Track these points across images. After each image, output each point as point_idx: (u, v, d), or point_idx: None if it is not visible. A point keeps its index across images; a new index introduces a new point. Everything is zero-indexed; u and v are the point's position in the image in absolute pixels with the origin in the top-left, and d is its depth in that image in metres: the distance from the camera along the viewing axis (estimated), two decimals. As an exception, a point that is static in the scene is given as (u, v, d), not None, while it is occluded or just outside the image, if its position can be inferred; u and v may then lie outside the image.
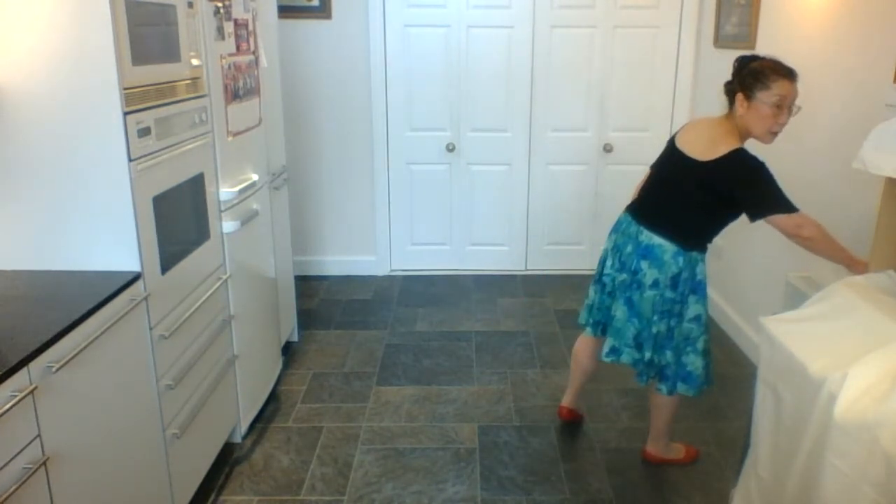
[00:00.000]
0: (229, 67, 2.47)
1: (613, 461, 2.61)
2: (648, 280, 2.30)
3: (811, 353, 1.65)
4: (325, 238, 4.48)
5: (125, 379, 1.84)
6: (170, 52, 2.04)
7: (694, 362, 2.36)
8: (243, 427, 2.70)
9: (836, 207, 2.62)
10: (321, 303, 4.08)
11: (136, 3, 1.84)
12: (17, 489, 1.39)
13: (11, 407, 1.37)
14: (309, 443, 2.71)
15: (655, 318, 2.32)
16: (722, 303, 3.72)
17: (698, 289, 2.32)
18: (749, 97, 2.17)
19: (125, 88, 1.79)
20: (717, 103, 2.45)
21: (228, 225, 2.46)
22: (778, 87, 2.13)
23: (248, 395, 2.72)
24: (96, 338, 1.66)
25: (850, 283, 1.87)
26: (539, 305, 4.06)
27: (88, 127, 1.80)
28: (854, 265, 2.07)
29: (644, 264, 2.31)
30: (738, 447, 2.38)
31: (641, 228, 2.33)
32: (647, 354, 2.36)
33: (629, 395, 3.03)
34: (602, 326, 2.55)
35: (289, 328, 3.44)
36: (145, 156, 1.90)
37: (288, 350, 3.42)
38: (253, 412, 2.80)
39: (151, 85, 1.93)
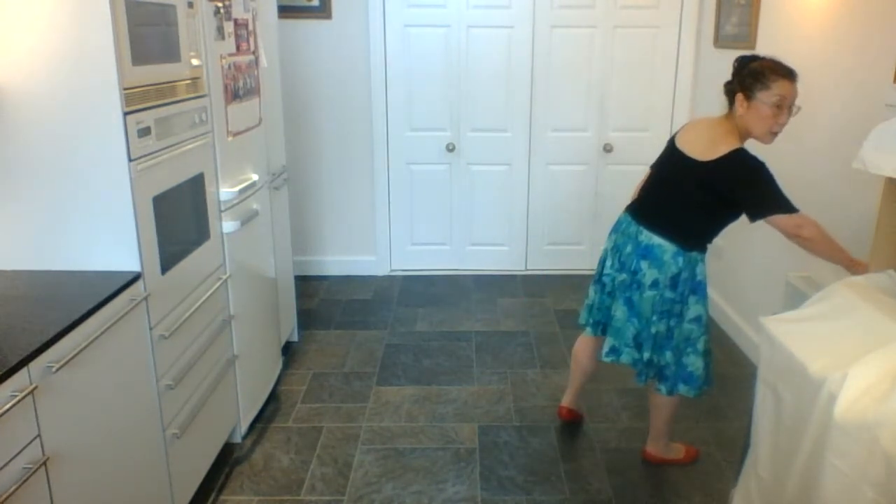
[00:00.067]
0: (229, 67, 2.47)
1: (613, 461, 2.61)
2: (648, 280, 2.30)
3: (811, 353, 1.65)
4: (325, 238, 4.48)
5: (125, 379, 1.84)
6: (170, 52, 2.04)
7: (694, 363, 2.36)
8: (243, 427, 2.70)
9: (836, 207, 2.62)
10: (321, 303, 4.08)
11: (136, 3, 1.84)
12: (17, 489, 1.39)
13: (11, 407, 1.37)
14: (309, 443, 2.72)
15: (655, 318, 2.32)
16: (722, 303, 3.72)
17: (698, 289, 2.32)
18: (749, 97, 2.17)
19: (125, 88, 1.79)
20: (717, 103, 2.45)
21: (228, 225, 2.46)
22: (778, 87, 2.13)
23: (248, 395, 2.72)
24: (96, 338, 1.66)
25: (850, 283, 1.87)
26: (539, 305, 4.06)
27: (88, 127, 1.80)
28: (853, 266, 2.07)
29: (644, 264, 2.31)
30: (738, 447, 2.38)
31: (641, 228, 2.33)
32: (647, 354, 2.36)
33: (629, 395, 3.03)
34: (602, 326, 2.54)
35: (289, 328, 3.44)
36: (145, 156, 1.90)
37: (288, 350, 3.42)
38: (253, 412, 2.80)
39: (151, 85, 1.93)
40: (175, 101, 2.06)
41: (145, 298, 1.92)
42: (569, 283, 4.34)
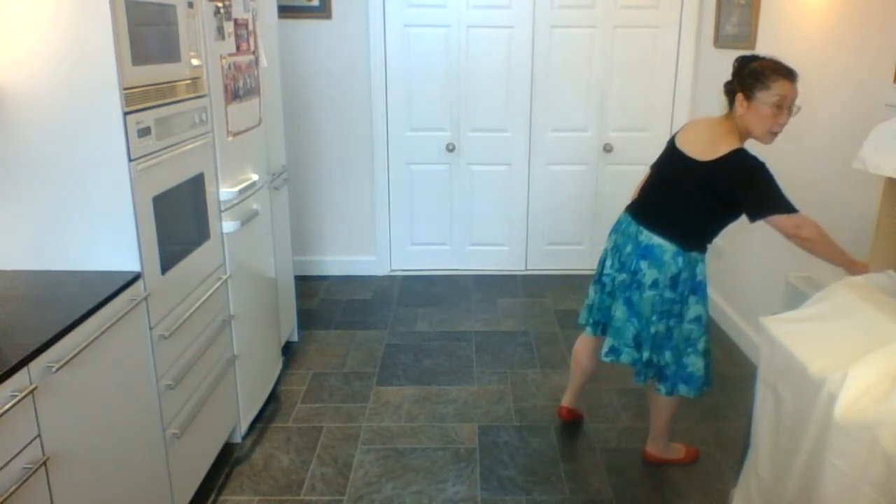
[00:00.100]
0: (229, 67, 2.47)
1: (613, 461, 2.61)
2: (648, 280, 2.30)
3: (811, 353, 1.65)
4: (325, 238, 4.48)
5: (125, 379, 1.84)
6: (170, 52, 2.04)
7: (695, 363, 2.36)
8: (243, 427, 2.70)
9: (836, 207, 2.62)
10: (321, 303, 4.08)
11: (136, 3, 1.84)
12: (17, 489, 1.39)
13: (11, 407, 1.38)
14: (309, 443, 2.72)
15: (654, 318, 2.32)
16: (722, 303, 3.72)
17: (698, 289, 2.31)
18: (749, 97, 2.17)
19: (125, 88, 1.79)
20: (717, 103, 2.45)
21: (228, 225, 2.46)
22: (778, 88, 2.13)
23: (248, 395, 2.72)
24: (96, 338, 1.66)
25: (850, 283, 1.87)
26: (539, 305, 4.06)
27: (88, 127, 1.80)
28: (853, 266, 2.07)
29: (644, 264, 2.31)
30: (738, 447, 2.38)
31: (641, 228, 2.33)
32: (646, 354, 2.36)
33: (629, 395, 3.03)
34: (602, 326, 2.54)
35: (289, 328, 3.44)
36: (145, 156, 1.90)
37: (288, 350, 3.42)
38: (253, 412, 2.80)
39: (151, 85, 1.93)
40: (175, 101, 2.06)
41: (145, 298, 1.92)
42: (569, 283, 4.34)
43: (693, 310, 2.32)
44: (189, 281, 2.21)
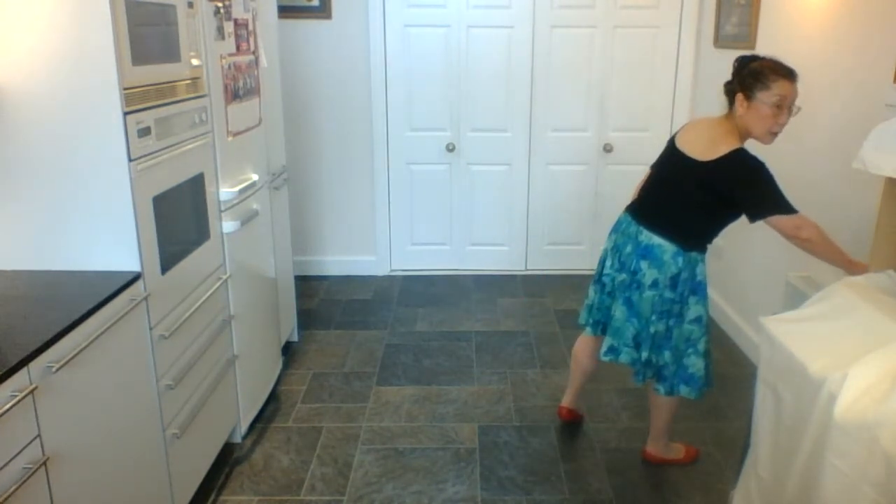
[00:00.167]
0: (229, 67, 2.47)
1: (613, 461, 2.61)
2: (648, 280, 2.30)
3: (811, 353, 1.65)
4: (325, 238, 4.48)
5: (125, 379, 1.84)
6: (170, 52, 2.04)
7: (695, 364, 2.36)
8: (243, 427, 2.70)
9: (836, 207, 2.62)
10: (321, 303, 4.08)
11: (136, 3, 1.84)
12: (17, 489, 1.39)
13: (11, 407, 1.38)
14: (309, 443, 2.72)
15: (654, 318, 2.32)
16: (722, 303, 3.72)
17: (698, 289, 2.31)
18: (749, 97, 2.17)
19: (125, 88, 1.79)
20: (717, 103, 2.45)
21: (228, 225, 2.46)
22: (778, 88, 2.13)
23: (248, 395, 2.72)
24: (96, 338, 1.66)
25: (850, 283, 1.87)
26: (539, 305, 4.06)
27: (88, 127, 1.80)
28: (852, 267, 2.07)
29: (643, 264, 2.31)
30: (738, 447, 2.38)
31: (641, 228, 2.33)
32: (645, 354, 2.36)
33: (629, 395, 3.03)
34: (602, 326, 2.54)
35: (289, 328, 3.44)
36: (145, 156, 1.90)
37: (288, 350, 3.42)
38: (253, 412, 2.80)
39: (151, 85, 1.93)
40: (175, 101, 2.06)
41: (145, 298, 1.92)
42: (569, 283, 4.34)
43: (693, 310, 2.32)
44: (189, 281, 2.21)
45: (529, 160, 4.37)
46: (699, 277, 2.31)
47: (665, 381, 2.39)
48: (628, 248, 2.36)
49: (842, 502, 1.48)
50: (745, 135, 2.23)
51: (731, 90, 2.24)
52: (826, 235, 2.09)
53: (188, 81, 2.15)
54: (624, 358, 2.40)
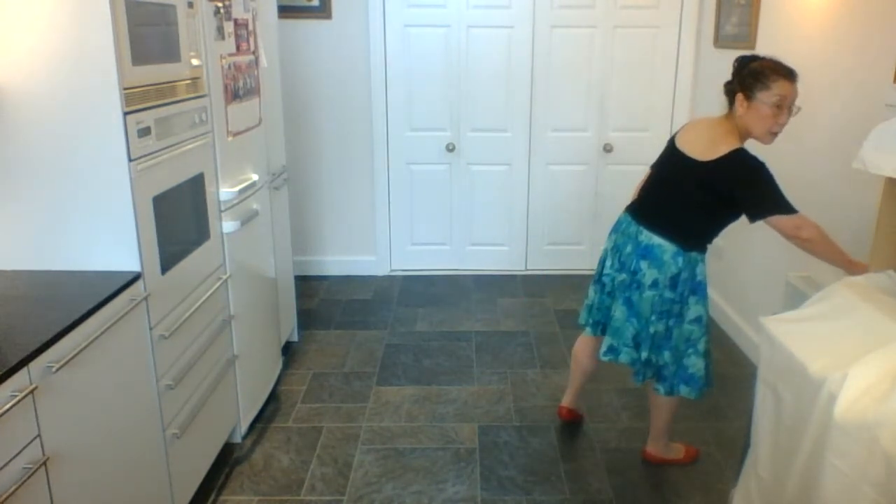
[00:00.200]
0: (229, 67, 2.47)
1: (613, 461, 2.61)
2: (648, 280, 2.30)
3: (811, 353, 1.65)
4: (325, 238, 4.48)
5: (125, 379, 1.84)
6: (170, 52, 2.04)
7: (696, 364, 2.36)
8: (243, 427, 2.70)
9: (836, 207, 2.62)
10: (321, 303, 4.08)
11: (136, 3, 1.84)
12: (17, 489, 1.39)
13: (11, 407, 1.38)
14: (309, 443, 2.72)
15: (654, 318, 2.32)
16: (722, 303, 3.72)
17: (698, 290, 2.31)
18: (749, 97, 2.17)
19: (125, 88, 1.79)
20: (717, 103, 2.45)
21: (228, 225, 2.46)
22: (778, 88, 2.13)
23: (248, 395, 2.72)
24: (96, 338, 1.66)
25: (850, 284, 1.87)
26: (539, 305, 4.06)
27: (88, 127, 1.80)
28: (852, 267, 2.07)
29: (643, 264, 2.31)
30: (738, 447, 2.38)
31: (641, 228, 2.33)
32: (644, 354, 2.36)
33: (629, 395, 3.03)
34: (602, 326, 2.54)
35: (289, 328, 3.44)
36: (145, 156, 1.90)
37: (288, 350, 3.42)
38: (253, 412, 2.80)
39: (151, 85, 1.93)
40: (175, 101, 2.06)
41: (145, 298, 1.92)
42: (569, 283, 4.34)
43: (693, 310, 2.32)
44: (189, 281, 2.21)
45: (529, 160, 4.37)
46: (699, 277, 2.31)
47: (665, 381, 2.39)
48: (628, 248, 2.36)
49: (842, 502, 1.48)
50: (745, 135, 2.23)
51: (731, 90, 2.24)
52: (826, 235, 2.09)
53: (188, 81, 2.15)
54: (623, 358, 2.40)
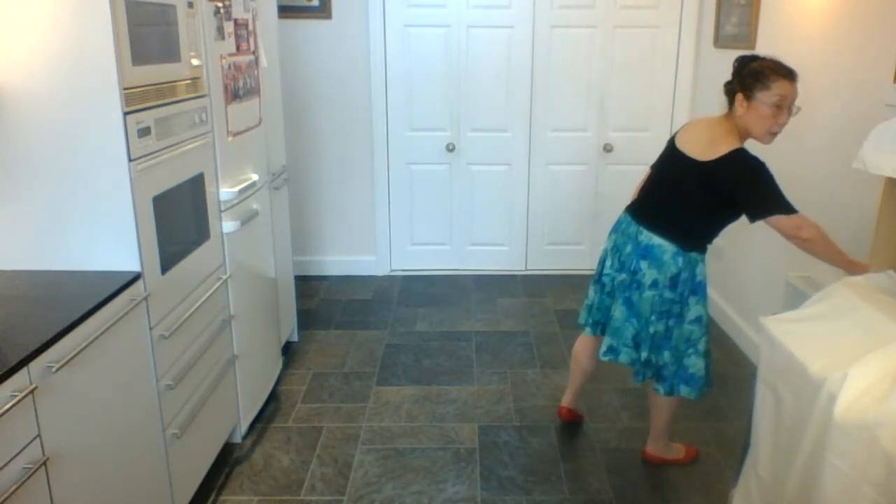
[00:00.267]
0: (229, 67, 2.47)
1: (613, 461, 2.61)
2: (647, 280, 2.30)
3: (811, 353, 1.65)
4: (325, 238, 4.48)
5: (125, 379, 1.84)
6: (170, 52, 2.04)
7: (696, 364, 2.36)
8: (243, 427, 2.70)
9: (836, 207, 2.62)
10: (321, 303, 4.08)
11: (136, 3, 1.84)
12: (17, 489, 1.39)
13: (11, 407, 1.38)
14: (309, 443, 2.72)
15: (653, 318, 2.32)
16: (722, 303, 3.72)
17: (698, 290, 2.31)
18: (749, 97, 2.17)
19: (125, 88, 1.79)
20: (717, 103, 2.45)
21: (228, 225, 2.46)
22: (778, 88, 2.13)
23: (248, 395, 2.72)
24: (96, 338, 1.66)
25: (850, 284, 1.87)
26: (539, 305, 4.06)
27: (88, 127, 1.80)
28: (852, 267, 2.07)
29: (643, 264, 2.31)
30: (738, 447, 2.38)
31: (641, 228, 2.33)
32: (644, 354, 2.36)
33: (629, 395, 3.03)
34: (602, 326, 2.54)
35: (289, 328, 3.44)
36: (145, 156, 1.90)
37: (288, 350, 3.42)
38: (253, 412, 2.80)
39: (151, 85, 1.93)
40: (175, 101, 2.06)
41: (145, 298, 1.92)
42: (569, 283, 4.34)
43: (693, 310, 2.32)
44: (189, 281, 2.21)
45: (529, 160, 4.37)
46: (699, 277, 2.31)
47: (665, 381, 2.39)
48: (628, 248, 2.36)
49: (842, 502, 1.48)
50: (744, 135, 2.23)
51: (730, 90, 2.24)
52: (826, 235, 2.09)
53: (188, 81, 2.15)
54: (623, 358, 2.40)
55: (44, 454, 1.49)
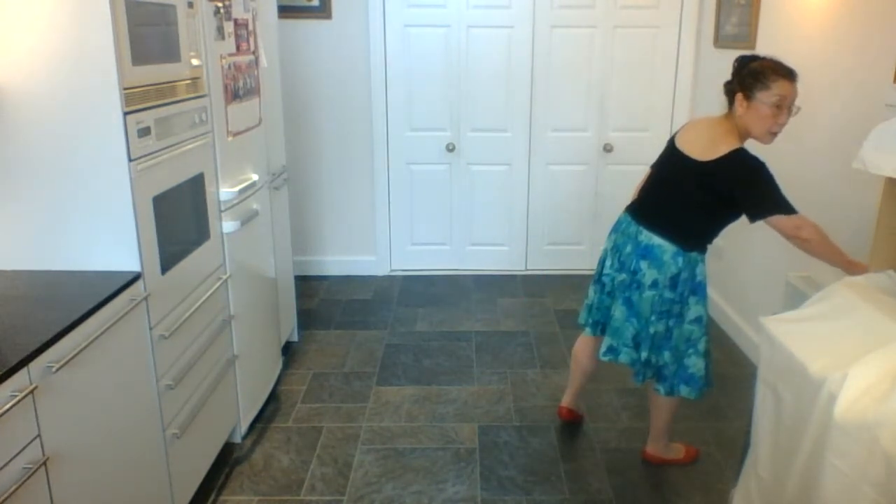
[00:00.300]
0: (229, 67, 2.47)
1: (613, 461, 2.61)
2: (647, 280, 2.30)
3: (811, 353, 1.65)
4: (325, 238, 4.48)
5: (125, 379, 1.84)
6: (170, 52, 2.04)
7: (696, 364, 2.36)
8: (243, 427, 2.70)
9: (836, 207, 2.62)
10: (321, 303, 4.08)
11: (136, 3, 1.84)
12: (17, 489, 1.39)
13: (11, 407, 1.37)
14: (309, 443, 2.72)
15: (654, 318, 2.32)
16: (722, 303, 3.72)
17: (698, 290, 2.31)
18: (749, 97, 2.17)
19: (125, 88, 1.79)
20: (717, 103, 2.45)
21: (228, 225, 2.46)
22: (778, 88, 2.13)
23: (248, 395, 2.72)
24: (96, 338, 1.66)
25: (850, 284, 1.87)
26: (539, 305, 4.06)
27: (88, 127, 1.80)
28: (851, 268, 2.06)
29: (643, 264, 2.31)
30: (738, 447, 2.38)
31: (641, 228, 2.33)
32: (644, 354, 2.36)
33: (629, 395, 3.03)
34: (601, 326, 2.54)
35: (289, 328, 3.44)
36: (145, 156, 1.90)
37: (288, 350, 3.42)
38: (253, 412, 2.80)
39: (151, 85, 1.93)
40: (175, 101, 2.06)
41: (145, 298, 1.92)
42: (569, 283, 4.34)
43: (693, 310, 2.32)
44: (189, 281, 2.21)
45: (529, 160, 4.37)
46: (699, 278, 2.31)
47: (665, 382, 2.39)
48: (628, 248, 2.36)
49: (842, 502, 1.48)
50: (744, 135, 2.23)
51: (730, 90, 2.24)
52: (826, 236, 2.09)
53: (188, 81, 2.15)
54: (623, 358, 2.40)
55: (44, 454, 1.49)
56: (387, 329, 3.73)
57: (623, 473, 2.55)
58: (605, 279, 2.48)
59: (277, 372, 3.14)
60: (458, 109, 4.27)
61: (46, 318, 1.60)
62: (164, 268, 2.03)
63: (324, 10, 4.06)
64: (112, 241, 1.88)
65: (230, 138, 2.51)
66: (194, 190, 2.24)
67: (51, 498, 1.52)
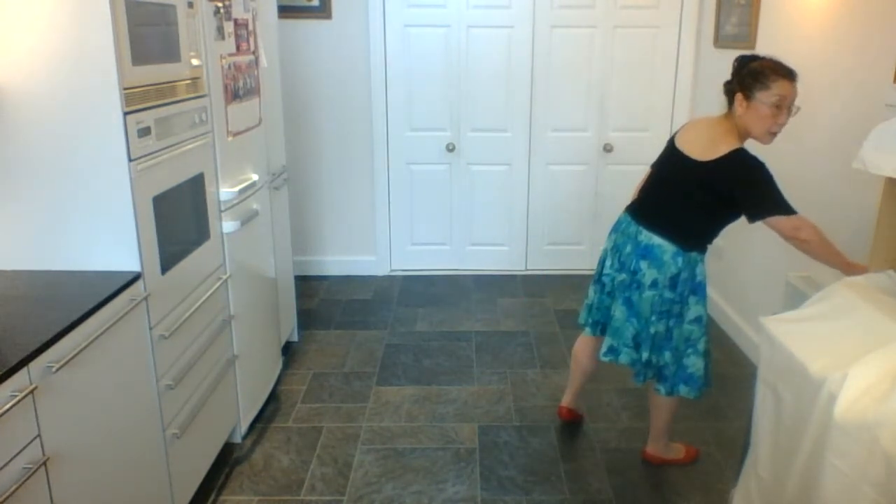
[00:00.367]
0: (229, 67, 2.47)
1: (613, 461, 2.61)
2: (647, 280, 2.30)
3: (811, 353, 1.65)
4: (325, 238, 4.48)
5: (125, 379, 1.84)
6: (170, 52, 2.04)
7: (695, 364, 2.36)
8: (243, 427, 2.70)
9: (836, 207, 2.62)
10: (321, 303, 4.08)
11: (136, 3, 1.84)
12: (17, 489, 1.39)
13: (11, 407, 1.38)
14: (309, 443, 2.72)
15: (654, 318, 2.32)
16: (722, 303, 3.72)
17: (698, 290, 2.31)
18: (748, 97, 2.17)
19: (125, 88, 1.79)
20: (717, 103, 2.45)
21: (228, 225, 2.46)
22: (777, 88, 2.13)
23: (248, 395, 2.72)
24: (96, 338, 1.66)
25: (850, 284, 1.87)
26: (539, 305, 4.06)
27: (88, 127, 1.80)
28: (850, 269, 2.06)
29: (643, 264, 2.31)
30: (738, 447, 2.38)
31: (641, 228, 2.33)
32: (645, 354, 2.36)
33: (629, 395, 3.03)
34: (601, 326, 2.54)
35: (289, 328, 3.44)
36: (145, 156, 1.90)
37: (288, 350, 3.42)
38: (253, 412, 2.80)
39: (151, 85, 1.93)
40: (175, 101, 2.06)
41: (145, 298, 1.92)
42: (569, 283, 4.34)
43: (693, 310, 2.32)
44: (189, 281, 2.21)
45: (529, 160, 4.37)
46: (699, 278, 2.31)
47: (665, 382, 2.39)
48: (628, 248, 2.36)
49: (842, 502, 1.48)
50: (744, 135, 2.23)
51: (730, 90, 2.24)
52: (825, 237, 2.09)
53: (188, 81, 2.15)
54: (623, 358, 2.40)
55: (44, 454, 1.49)
56: (387, 329, 3.73)
57: (623, 473, 2.55)
58: (605, 279, 2.48)
59: (277, 372, 3.14)
60: (458, 109, 4.27)
61: (46, 318, 1.60)
62: (164, 268, 2.03)
63: (324, 10, 4.06)
64: (112, 241, 1.88)
65: (230, 138, 2.51)
66: (194, 190, 2.24)
67: (51, 498, 1.52)
